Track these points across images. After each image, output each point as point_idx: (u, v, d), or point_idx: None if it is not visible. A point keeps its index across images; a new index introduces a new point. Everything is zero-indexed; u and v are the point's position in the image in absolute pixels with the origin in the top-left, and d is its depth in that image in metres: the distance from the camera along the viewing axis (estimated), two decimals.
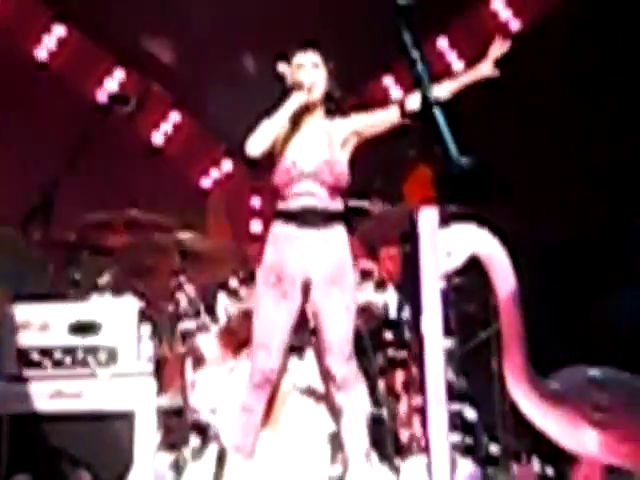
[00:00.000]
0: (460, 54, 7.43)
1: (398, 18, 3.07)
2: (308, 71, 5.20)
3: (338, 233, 5.17)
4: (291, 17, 6.89)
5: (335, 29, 6.24)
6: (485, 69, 5.26)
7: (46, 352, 5.37)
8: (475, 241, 3.65)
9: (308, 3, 6.94)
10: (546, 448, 4.68)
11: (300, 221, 5.12)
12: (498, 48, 5.25)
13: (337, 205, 5.18)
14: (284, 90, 5.20)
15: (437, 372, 2.78)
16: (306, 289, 5.11)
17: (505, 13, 7.56)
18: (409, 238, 2.86)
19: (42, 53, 7.52)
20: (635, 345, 5.98)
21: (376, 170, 5.49)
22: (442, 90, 5.03)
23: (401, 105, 5.02)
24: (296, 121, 5.21)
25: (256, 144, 5.12)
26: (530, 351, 3.81)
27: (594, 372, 3.96)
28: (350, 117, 5.26)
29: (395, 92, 7.29)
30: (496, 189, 3.02)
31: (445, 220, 2.93)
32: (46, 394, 5.27)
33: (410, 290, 2.85)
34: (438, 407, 2.77)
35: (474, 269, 3.74)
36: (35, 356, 5.37)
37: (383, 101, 6.31)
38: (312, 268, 5.09)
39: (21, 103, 7.14)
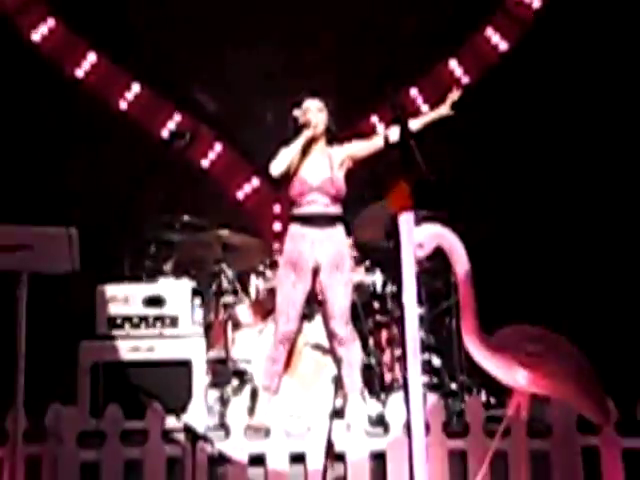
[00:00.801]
0: (425, 100, 7.40)
1: (384, 75, 3.09)
2: (314, 114, 5.22)
3: (338, 231, 5.20)
4: (305, 69, 6.88)
5: (335, 80, 6.20)
6: (443, 110, 5.28)
7: (127, 318, 5.42)
8: (439, 236, 3.65)
9: (317, 62, 6.90)
10: (490, 384, 4.70)
11: (310, 223, 5.16)
12: (453, 95, 5.27)
13: (337, 210, 5.20)
14: (296, 127, 5.24)
15: (413, 331, 2.80)
16: (315, 273, 5.15)
17: (458, 71, 7.52)
18: (392, 235, 2.86)
19: (123, 104, 7.52)
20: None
21: (366, 185, 5.47)
22: (414, 124, 5.05)
23: (385, 137, 5.01)
24: (305, 149, 5.22)
25: (276, 167, 5.15)
26: (480, 315, 3.80)
27: (526, 329, 3.95)
28: (345, 145, 5.27)
29: (380, 127, 7.26)
30: (452, 199, 3.02)
31: (418, 221, 2.95)
32: (127, 348, 5.32)
33: (393, 272, 2.87)
34: (414, 357, 2.79)
35: (439, 256, 3.73)
36: (119, 321, 5.43)
37: (370, 135, 6.31)
38: (320, 257, 5.12)
39: (110, 139, 7.15)
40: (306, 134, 5.16)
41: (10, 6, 7.38)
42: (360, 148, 5.27)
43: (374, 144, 5.22)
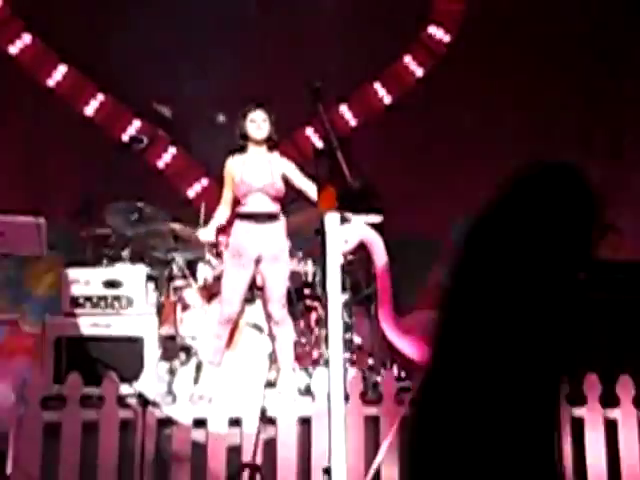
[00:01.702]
0: (354, 115, 7.44)
1: (314, 95, 3.09)
2: (258, 123, 5.13)
3: (277, 226, 5.15)
4: (255, 84, 6.80)
5: (280, 94, 6.10)
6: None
7: (88, 298, 5.32)
8: (362, 232, 3.66)
9: (260, 80, 6.84)
10: (401, 360, 4.73)
11: (253, 219, 5.10)
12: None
13: (276, 209, 5.15)
14: (242, 135, 5.16)
15: (336, 315, 2.80)
16: (257, 262, 5.11)
17: (381, 91, 7.52)
18: (320, 232, 2.86)
19: (89, 110, 7.37)
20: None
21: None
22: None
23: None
24: (250, 155, 5.17)
25: (204, 235, 5.27)
26: (394, 301, 3.82)
27: (432, 313, 3.97)
28: (285, 160, 5.19)
29: (314, 139, 7.24)
30: (373, 200, 3.03)
31: (343, 220, 2.95)
32: (88, 324, 5.22)
33: (322, 263, 2.86)
34: (337, 336, 2.80)
35: (361, 250, 3.72)
36: (81, 300, 5.32)
37: (304, 144, 6.28)
38: (262, 249, 5.08)
39: (74, 142, 7.02)
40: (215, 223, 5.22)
41: None
42: (295, 178, 5.14)
43: (307, 187, 5.04)
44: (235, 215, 5.21)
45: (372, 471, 4.05)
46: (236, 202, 5.20)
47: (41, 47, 7.29)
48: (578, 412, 4.69)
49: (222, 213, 5.28)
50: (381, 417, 4.58)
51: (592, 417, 4.67)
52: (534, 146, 6.69)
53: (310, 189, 4.97)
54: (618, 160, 7.21)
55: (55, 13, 7.16)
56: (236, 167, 5.16)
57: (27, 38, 7.30)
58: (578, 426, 4.65)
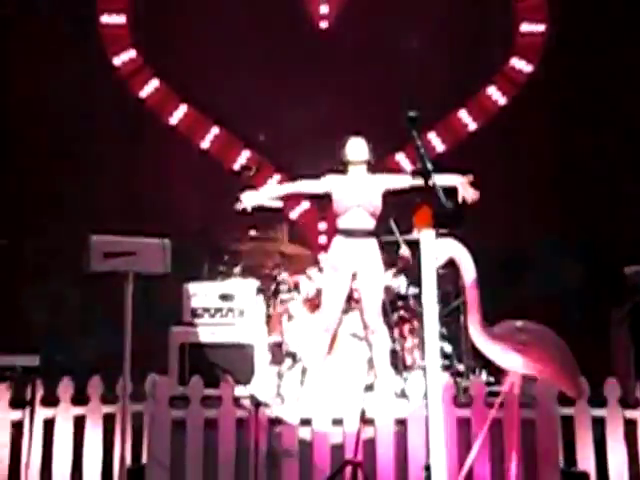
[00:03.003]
0: (443, 141, 7.41)
1: (409, 123, 3.09)
2: (356, 149, 5.14)
3: (373, 242, 5.11)
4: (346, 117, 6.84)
5: (371, 125, 6.09)
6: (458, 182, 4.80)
7: (206, 310, 5.45)
8: (452, 249, 3.60)
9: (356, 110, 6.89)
10: (490, 366, 4.66)
11: (351, 234, 5.07)
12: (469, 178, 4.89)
13: (373, 225, 5.09)
14: (343, 160, 5.17)
15: (433, 325, 2.78)
16: (354, 276, 5.11)
17: (467, 119, 7.47)
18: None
19: (205, 144, 7.57)
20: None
21: (396, 208, 5.41)
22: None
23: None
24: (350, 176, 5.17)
25: (247, 199, 5.13)
26: (484, 312, 3.76)
27: (518, 323, 3.91)
28: (382, 175, 5.18)
29: (404, 164, 7.25)
30: (464, 220, 3.00)
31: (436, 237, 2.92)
32: (206, 333, 5.35)
33: (418, 277, 2.85)
34: (433, 344, 2.77)
35: (451, 265, 3.68)
36: (200, 312, 5.46)
37: (396, 169, 6.26)
38: (358, 263, 5.07)
39: (193, 172, 7.23)
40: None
41: (124, 70, 7.53)
42: (393, 181, 5.12)
43: (403, 180, 5.07)
44: (335, 230, 5.20)
45: (466, 468, 3.99)
46: (336, 217, 5.17)
47: (166, 90, 7.58)
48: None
49: (275, 189, 5.18)
50: (472, 419, 4.53)
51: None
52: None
53: (407, 181, 4.98)
54: None
55: (173, 57, 7.42)
56: (337, 183, 5.13)
57: (155, 83, 7.60)
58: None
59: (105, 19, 7.63)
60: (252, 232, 6.04)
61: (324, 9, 7.66)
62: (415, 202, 2.75)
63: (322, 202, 5.31)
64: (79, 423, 5.03)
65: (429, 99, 6.95)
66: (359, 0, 7.55)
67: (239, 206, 5.17)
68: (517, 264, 6.94)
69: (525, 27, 7.50)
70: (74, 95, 7.18)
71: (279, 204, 5.31)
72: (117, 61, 7.59)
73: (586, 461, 4.65)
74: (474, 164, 6.92)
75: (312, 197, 5.26)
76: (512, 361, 3.81)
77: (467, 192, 4.74)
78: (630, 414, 4.73)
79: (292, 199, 7.48)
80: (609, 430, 4.69)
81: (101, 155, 7.20)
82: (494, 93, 7.46)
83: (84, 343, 6.97)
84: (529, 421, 4.53)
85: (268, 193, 5.27)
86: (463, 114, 7.47)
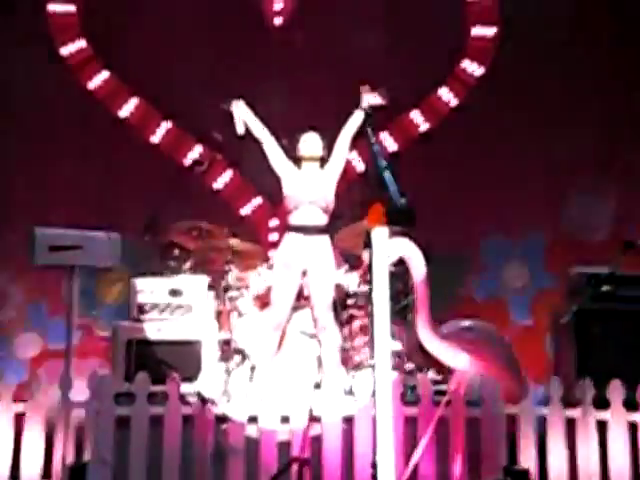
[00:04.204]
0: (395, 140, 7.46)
1: (365, 120, 3.09)
2: (311, 144, 5.13)
3: (325, 239, 5.10)
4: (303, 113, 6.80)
5: (325, 123, 6.08)
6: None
7: (154, 305, 5.38)
8: (403, 247, 3.58)
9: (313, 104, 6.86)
10: (437, 365, 4.69)
11: (302, 231, 5.05)
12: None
13: (325, 221, 5.09)
14: (296, 156, 5.13)
15: (382, 322, 2.78)
16: (304, 273, 5.09)
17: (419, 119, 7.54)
18: (368, 245, 2.84)
19: (155, 139, 7.46)
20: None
21: (348, 205, 5.41)
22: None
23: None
24: (302, 171, 5.13)
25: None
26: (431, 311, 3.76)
27: (466, 322, 3.93)
28: (329, 164, 5.13)
29: (357, 162, 7.26)
30: (415, 219, 2.99)
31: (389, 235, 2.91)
32: (153, 329, 5.28)
33: (369, 275, 2.84)
34: (384, 342, 2.77)
35: (402, 264, 3.67)
36: (147, 307, 5.38)
37: (348, 168, 6.22)
38: (309, 260, 5.05)
39: (142, 166, 7.13)
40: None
41: (72, 61, 7.36)
42: (336, 158, 5.06)
43: (343, 143, 5.03)
44: (286, 227, 5.17)
45: (411, 466, 4.02)
46: (287, 214, 5.14)
47: (116, 82, 7.44)
48: (602, 415, 4.73)
49: (255, 123, 5.04)
50: (419, 417, 4.55)
51: (616, 420, 4.69)
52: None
53: (346, 137, 4.97)
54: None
55: (125, 49, 7.30)
56: (290, 174, 5.07)
57: (105, 74, 7.44)
58: (603, 428, 4.69)
59: (52, 7, 7.43)
60: (203, 226, 5.95)
61: (278, 5, 7.61)
62: (367, 200, 2.72)
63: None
64: (19, 420, 4.90)
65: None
66: None
67: (226, 106, 5.05)
68: (466, 263, 7.01)
69: (476, 30, 7.57)
70: (19, 84, 7.01)
71: (241, 132, 5.12)
72: (64, 51, 7.40)
73: (528, 459, 4.71)
74: (427, 163, 7.06)
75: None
76: (459, 360, 3.83)
77: (373, 99, 4.80)
78: (570, 413, 4.80)
79: (244, 195, 7.47)
80: (550, 428, 4.75)
81: (47, 148, 7.03)
82: (445, 94, 7.52)
83: (27, 339, 6.83)
84: (475, 419, 4.57)
85: (250, 119, 5.11)
86: (415, 114, 7.51)
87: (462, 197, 7.05)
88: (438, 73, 7.48)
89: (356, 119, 4.99)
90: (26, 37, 7.13)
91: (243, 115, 5.12)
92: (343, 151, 5.12)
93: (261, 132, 5.13)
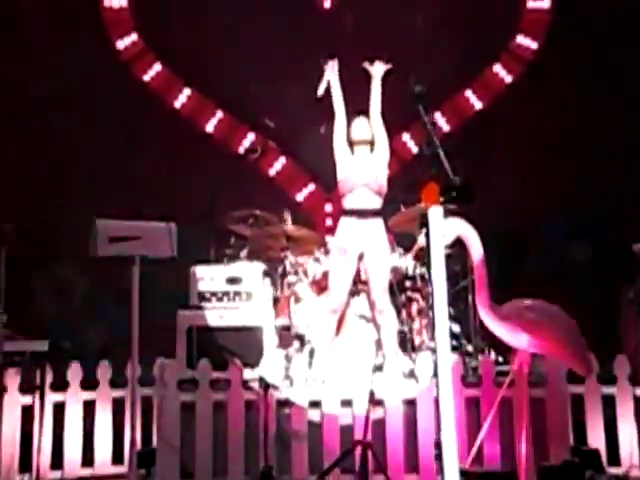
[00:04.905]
0: (447, 121, 7.34)
1: (417, 99, 3.04)
2: (361, 128, 5.13)
3: (380, 222, 5.08)
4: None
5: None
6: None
7: (213, 293, 5.44)
8: (460, 227, 3.53)
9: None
10: (498, 345, 4.64)
11: (357, 215, 5.04)
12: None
13: (379, 204, 5.07)
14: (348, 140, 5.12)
15: (442, 304, 2.73)
16: (360, 257, 5.09)
17: (472, 98, 7.40)
18: (424, 225, 2.79)
19: (209, 128, 7.53)
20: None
21: (403, 185, 5.36)
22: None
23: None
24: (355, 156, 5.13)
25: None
26: (491, 291, 3.72)
27: (527, 301, 3.87)
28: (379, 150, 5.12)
29: (410, 144, 7.20)
30: (472, 196, 2.91)
31: (444, 215, 2.86)
32: (214, 316, 5.33)
33: (426, 256, 2.80)
34: (443, 324, 2.73)
35: (459, 244, 3.63)
36: (207, 295, 5.44)
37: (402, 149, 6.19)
38: (365, 244, 5.04)
39: (198, 156, 7.19)
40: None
41: (127, 54, 7.50)
42: (381, 145, 5.08)
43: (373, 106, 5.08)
44: (342, 211, 5.16)
45: (475, 447, 3.98)
46: (341, 198, 5.15)
47: (169, 74, 7.53)
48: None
49: (336, 86, 5.08)
50: (481, 398, 4.51)
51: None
52: None
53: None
54: None
55: (177, 41, 7.36)
56: (344, 158, 5.09)
57: (157, 67, 7.55)
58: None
59: (107, 2, 7.56)
60: (257, 214, 5.97)
61: None
62: (422, 179, 2.67)
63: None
64: (89, 408, 5.04)
65: (434, 79, 6.87)
66: None
67: (322, 63, 5.14)
68: (524, 242, 6.89)
69: (531, 4, 7.40)
70: (76, 78, 7.14)
71: (320, 93, 5.12)
72: (120, 45, 7.53)
73: (597, 439, 4.62)
74: (481, 142, 6.94)
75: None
76: (521, 340, 3.77)
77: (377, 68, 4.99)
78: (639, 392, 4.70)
79: (298, 181, 7.48)
80: (619, 408, 4.66)
81: (104, 140, 7.15)
82: (500, 71, 7.37)
83: (92, 328, 6.99)
84: (539, 400, 4.50)
85: (336, 84, 5.14)
86: (469, 93, 7.39)
87: (521, 173, 6.93)
88: (491, 50, 7.34)
89: (375, 89, 5.03)
90: (85, 34, 7.25)
91: (332, 77, 5.11)
92: (381, 128, 5.10)
93: (339, 101, 5.13)
